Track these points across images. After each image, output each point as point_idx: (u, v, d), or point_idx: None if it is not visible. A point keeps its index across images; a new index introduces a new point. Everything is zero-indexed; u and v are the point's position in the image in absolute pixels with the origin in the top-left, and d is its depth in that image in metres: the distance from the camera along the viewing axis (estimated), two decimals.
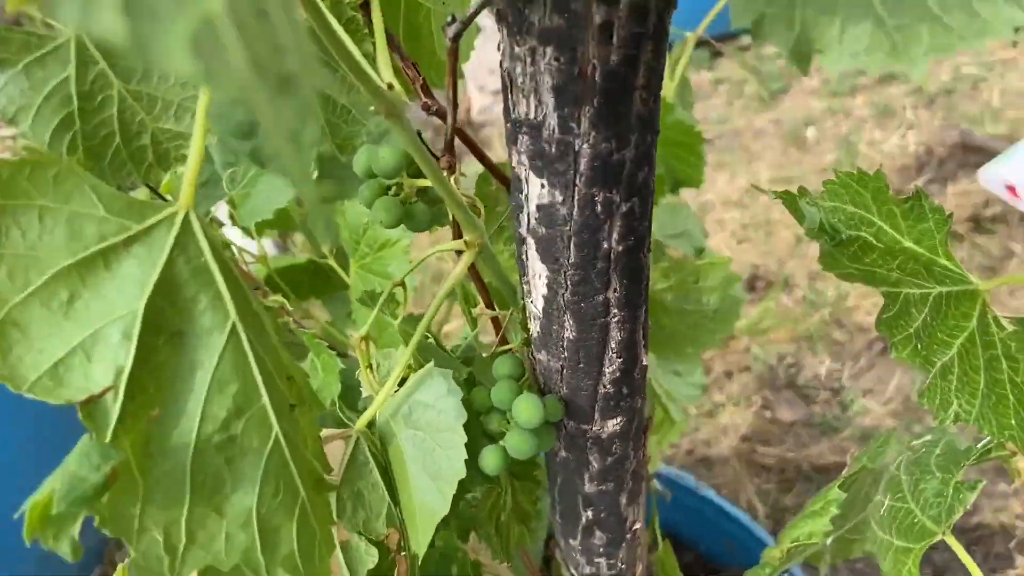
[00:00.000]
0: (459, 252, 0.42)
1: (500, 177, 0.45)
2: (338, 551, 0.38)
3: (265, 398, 0.30)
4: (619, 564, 0.52)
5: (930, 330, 0.38)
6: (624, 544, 0.51)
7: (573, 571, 0.53)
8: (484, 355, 0.48)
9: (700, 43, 1.86)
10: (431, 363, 0.42)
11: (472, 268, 0.47)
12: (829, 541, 0.59)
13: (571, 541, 0.52)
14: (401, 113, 0.34)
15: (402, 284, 0.43)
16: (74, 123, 0.32)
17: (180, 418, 0.28)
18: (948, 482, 0.42)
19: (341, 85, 0.42)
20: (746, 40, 2.36)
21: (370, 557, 0.38)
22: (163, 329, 0.28)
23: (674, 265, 0.55)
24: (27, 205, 0.26)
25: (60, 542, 0.25)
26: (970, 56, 2.11)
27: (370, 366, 0.44)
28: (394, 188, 0.41)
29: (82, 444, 0.26)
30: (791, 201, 0.38)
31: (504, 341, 0.47)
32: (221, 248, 0.30)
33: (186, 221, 0.29)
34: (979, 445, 0.42)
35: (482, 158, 0.44)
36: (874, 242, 0.36)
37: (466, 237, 0.40)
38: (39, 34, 0.30)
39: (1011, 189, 1.68)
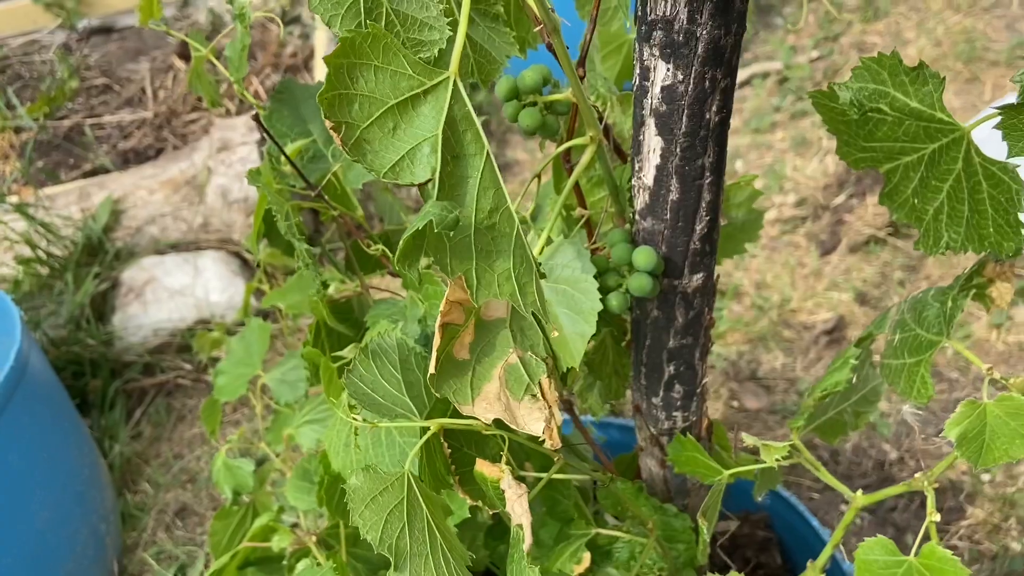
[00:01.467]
0: (568, 155, 0.56)
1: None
2: (518, 362, 0.51)
3: (509, 201, 0.43)
4: (691, 416, 0.65)
5: (924, 183, 0.54)
6: (695, 397, 0.64)
7: (653, 429, 0.66)
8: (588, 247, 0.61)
9: None
10: (562, 237, 0.55)
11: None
12: (840, 409, 0.74)
13: (653, 400, 0.64)
14: (558, 30, 0.48)
15: (538, 177, 0.57)
16: (361, 28, 0.45)
17: (463, 208, 0.41)
18: (944, 302, 0.57)
19: (487, 35, 0.55)
20: None
21: (540, 366, 0.51)
22: (450, 150, 0.41)
23: None
24: (367, 63, 0.39)
25: (412, 263, 0.37)
26: None
27: None
28: (531, 103, 0.55)
29: (433, 203, 0.38)
30: (821, 97, 0.53)
31: (593, 240, 0.61)
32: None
33: (455, 83, 0.42)
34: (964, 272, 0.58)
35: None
36: (888, 111, 0.51)
37: (590, 133, 0.54)
38: None
39: None
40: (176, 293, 2.00)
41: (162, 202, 2.10)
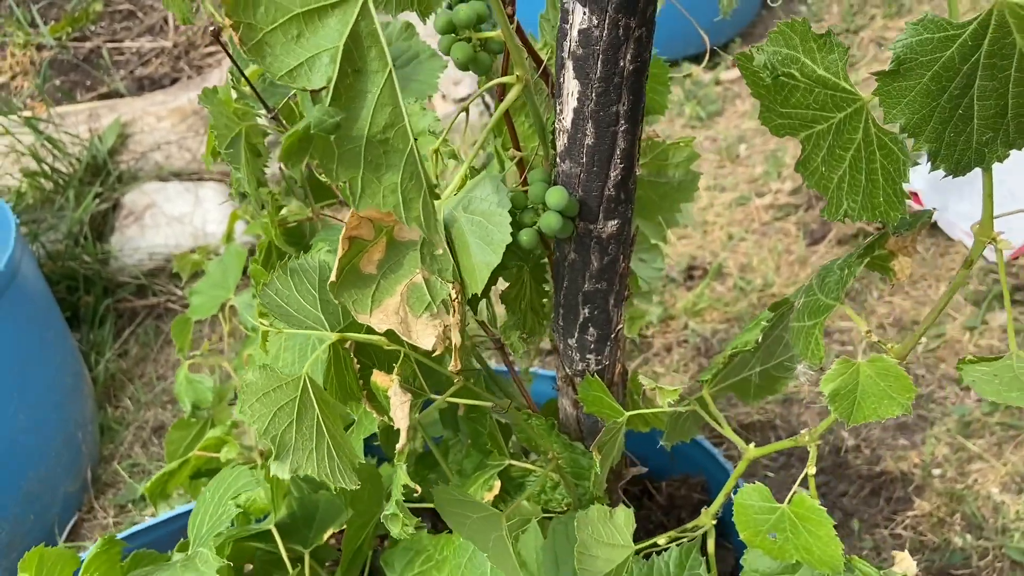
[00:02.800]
0: (502, 90, 0.58)
1: (531, 52, 0.62)
2: (421, 282, 0.54)
3: (406, 121, 0.45)
4: (604, 360, 0.68)
5: (831, 152, 0.56)
6: (609, 342, 0.67)
7: (568, 368, 0.69)
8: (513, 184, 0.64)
9: None
10: (484, 171, 0.58)
11: (505, 116, 0.63)
12: (758, 371, 0.76)
13: (569, 340, 0.67)
14: None
15: (466, 110, 0.59)
16: None
17: (358, 120, 0.44)
18: (843, 269, 0.60)
19: None
20: (686, 68, 2.59)
21: (444, 287, 0.54)
22: (351, 63, 0.44)
23: (651, 145, 0.72)
24: None
25: (296, 160, 0.40)
26: None
27: (436, 175, 0.59)
28: (465, 38, 0.57)
29: (319, 108, 0.41)
30: (745, 60, 0.55)
31: (525, 181, 0.64)
32: (381, 23, 0.45)
33: (365, 2, 0.44)
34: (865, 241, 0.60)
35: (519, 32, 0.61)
36: (799, 77, 0.53)
37: (516, 72, 0.56)
38: None
39: (914, 196, 1.92)
40: (174, 220, 2.04)
41: (169, 130, 2.13)
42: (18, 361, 1.50)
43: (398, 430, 0.51)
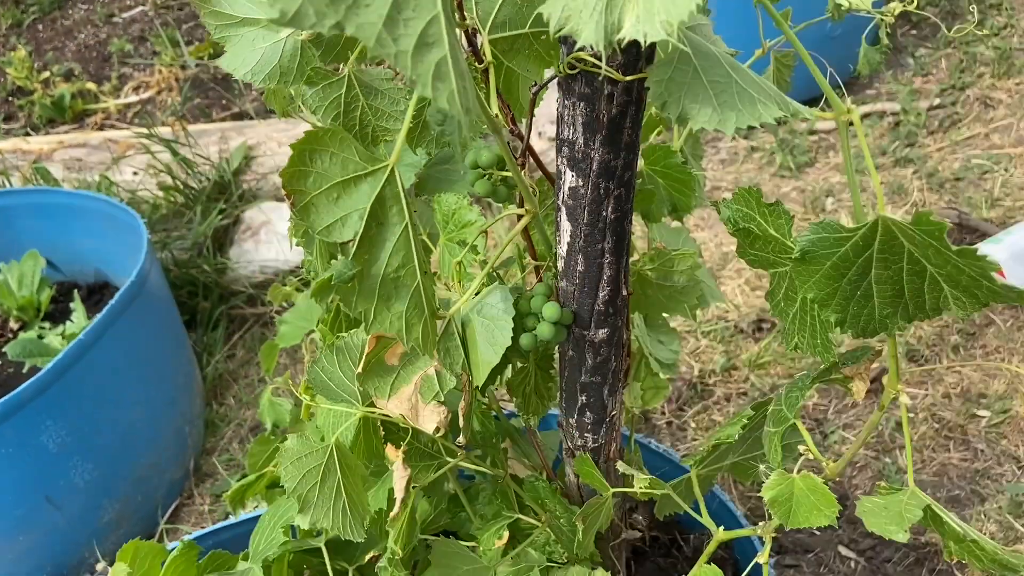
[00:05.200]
0: (519, 217, 0.70)
1: (548, 176, 0.74)
2: (435, 375, 0.66)
3: (415, 262, 0.58)
4: (599, 439, 0.79)
5: (787, 292, 0.65)
6: (604, 425, 0.78)
7: (569, 443, 0.81)
8: (528, 288, 0.76)
9: None
10: (496, 283, 0.70)
11: (525, 232, 0.75)
12: (732, 460, 0.85)
13: (570, 420, 0.79)
14: (500, 130, 0.63)
15: (484, 233, 0.71)
16: (340, 116, 0.62)
17: (377, 263, 0.57)
18: (799, 389, 0.69)
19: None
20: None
21: (451, 380, 0.66)
22: (375, 218, 0.57)
23: (658, 253, 0.83)
24: (325, 149, 0.55)
25: (323, 299, 0.53)
26: (981, 150, 2.36)
27: (460, 282, 0.72)
28: (487, 175, 0.69)
29: (341, 261, 0.54)
30: (718, 206, 0.65)
31: (540, 280, 0.75)
32: (405, 187, 0.58)
33: (392, 170, 0.57)
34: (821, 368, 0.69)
35: (539, 164, 0.73)
36: (757, 232, 0.63)
37: (527, 206, 0.68)
38: (333, 73, 0.59)
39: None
40: (285, 238, 2.25)
41: (287, 155, 2.35)
42: (141, 360, 1.72)
43: (394, 499, 0.64)
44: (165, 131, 2.47)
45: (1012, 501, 1.60)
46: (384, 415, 0.67)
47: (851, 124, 0.51)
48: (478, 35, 0.65)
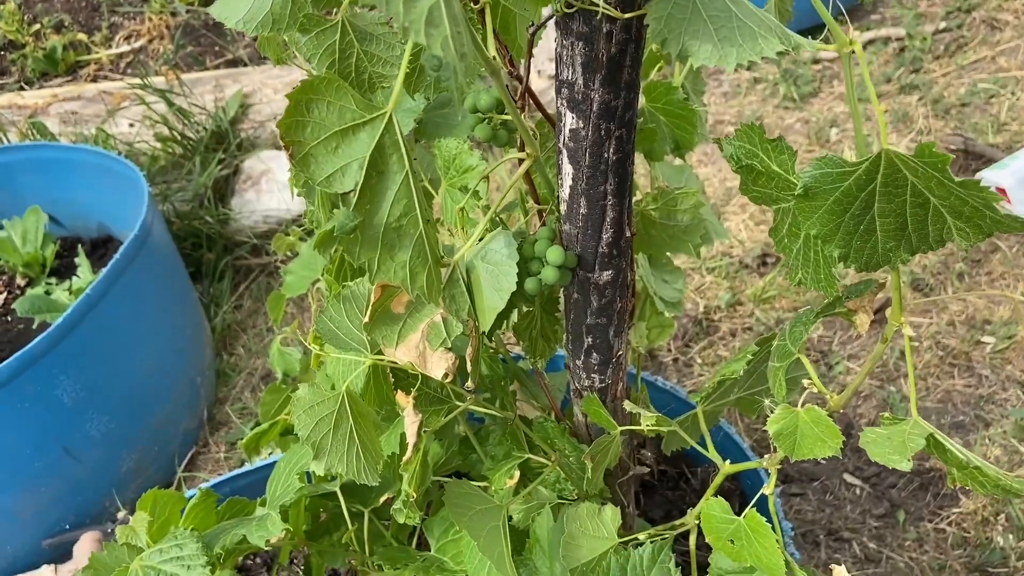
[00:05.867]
0: (521, 161, 0.70)
1: (549, 118, 0.73)
2: (440, 321, 0.67)
3: (417, 211, 0.58)
4: (606, 379, 0.79)
5: (791, 227, 0.65)
6: (610, 365, 0.79)
7: (576, 384, 0.81)
8: (532, 232, 0.76)
9: None
10: (499, 228, 0.70)
11: (527, 176, 0.75)
12: (737, 395, 0.86)
13: (576, 361, 0.79)
14: (498, 73, 0.62)
15: (486, 178, 0.71)
16: (335, 63, 0.61)
17: (378, 212, 0.57)
18: (803, 324, 0.69)
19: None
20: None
21: (458, 327, 0.67)
22: (375, 167, 0.56)
23: (661, 193, 0.82)
24: (322, 98, 0.55)
25: (327, 250, 0.53)
26: (988, 73, 2.32)
27: (463, 228, 0.72)
28: (487, 119, 0.69)
29: (342, 212, 0.54)
30: (720, 143, 0.65)
31: (544, 224, 0.75)
32: (404, 134, 0.58)
33: (390, 117, 0.57)
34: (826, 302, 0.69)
35: (539, 106, 0.72)
36: (760, 168, 0.63)
37: (528, 150, 0.68)
38: (326, 19, 0.58)
39: (1002, 191, 1.91)
40: (286, 187, 2.24)
41: (284, 102, 2.32)
42: (149, 312, 1.73)
43: (406, 444, 0.65)
44: (159, 81, 2.44)
45: (1016, 425, 1.62)
46: (393, 363, 0.67)
47: (853, 54, 0.50)
48: None
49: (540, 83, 2.40)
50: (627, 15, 0.53)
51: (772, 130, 2.34)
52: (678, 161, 1.06)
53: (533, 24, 0.63)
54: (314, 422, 0.64)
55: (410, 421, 0.65)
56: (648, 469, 0.94)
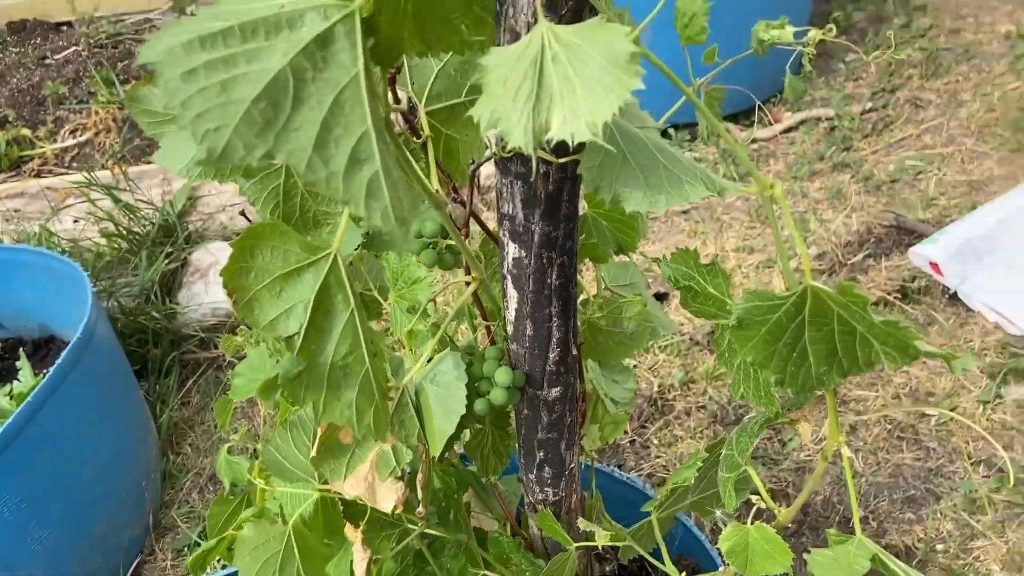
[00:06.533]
0: (467, 283, 0.71)
1: (494, 238, 0.74)
2: (389, 450, 0.67)
3: (363, 348, 0.58)
4: (559, 492, 0.79)
5: (731, 345, 0.67)
6: (563, 478, 0.79)
7: (530, 497, 0.81)
8: (480, 348, 0.76)
9: (681, 126, 2.30)
10: (447, 349, 0.71)
11: (475, 295, 0.76)
12: (690, 500, 0.87)
13: (530, 475, 0.79)
14: (441, 205, 0.63)
15: (433, 301, 0.72)
16: (279, 206, 0.62)
17: (323, 352, 0.57)
18: (748, 435, 0.70)
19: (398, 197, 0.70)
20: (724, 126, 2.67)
21: (407, 454, 0.66)
22: (320, 308, 0.57)
23: (607, 302, 0.84)
24: (266, 243, 0.55)
25: (269, 397, 0.53)
26: (915, 150, 2.42)
27: (411, 350, 0.72)
28: (433, 244, 0.70)
29: (287, 358, 0.54)
30: (659, 262, 0.67)
31: (492, 340, 0.76)
32: (349, 274, 0.59)
33: (335, 258, 0.57)
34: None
35: (485, 229, 0.73)
36: (697, 289, 0.65)
37: (473, 273, 0.69)
38: (272, 163, 0.60)
39: (934, 266, 1.98)
40: None
41: (232, 192, 2.32)
42: (93, 416, 1.68)
43: None
44: (105, 175, 2.43)
45: (966, 498, 1.65)
46: (336, 493, 0.67)
47: (774, 196, 0.53)
48: (415, 111, 0.66)
49: (489, 167, 2.44)
50: (561, 160, 0.55)
51: (714, 208, 2.40)
52: (623, 258, 1.09)
53: (474, 161, 0.65)
54: (259, 564, 0.63)
55: (359, 558, 0.64)
56: (608, 571, 0.94)
